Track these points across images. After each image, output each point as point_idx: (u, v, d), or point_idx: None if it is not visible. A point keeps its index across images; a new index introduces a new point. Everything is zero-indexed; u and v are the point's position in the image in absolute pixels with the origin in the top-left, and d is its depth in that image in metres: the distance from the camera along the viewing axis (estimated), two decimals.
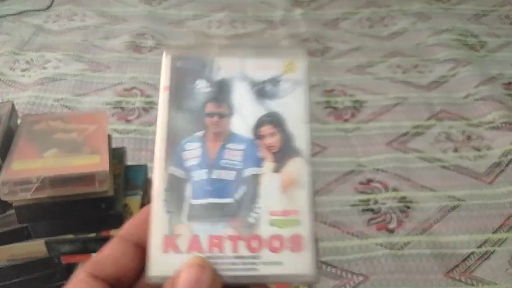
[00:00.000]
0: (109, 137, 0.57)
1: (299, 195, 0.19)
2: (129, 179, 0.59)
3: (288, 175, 0.19)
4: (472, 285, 0.67)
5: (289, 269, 0.18)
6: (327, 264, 0.69)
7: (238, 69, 0.20)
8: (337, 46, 1.21)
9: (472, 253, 0.71)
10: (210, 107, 0.19)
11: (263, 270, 0.18)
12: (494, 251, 0.71)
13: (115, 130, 0.90)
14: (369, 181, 0.83)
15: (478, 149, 0.90)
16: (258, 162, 0.19)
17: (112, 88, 1.02)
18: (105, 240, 0.52)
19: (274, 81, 0.20)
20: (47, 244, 0.51)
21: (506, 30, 1.31)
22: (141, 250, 0.22)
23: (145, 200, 0.59)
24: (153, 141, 0.76)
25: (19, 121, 0.57)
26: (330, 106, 1.00)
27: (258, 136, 0.19)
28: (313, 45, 1.22)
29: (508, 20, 1.35)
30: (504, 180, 0.83)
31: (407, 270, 0.68)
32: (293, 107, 0.20)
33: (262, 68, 0.20)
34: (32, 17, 1.26)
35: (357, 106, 1.01)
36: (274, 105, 0.20)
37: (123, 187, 0.56)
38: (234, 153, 0.19)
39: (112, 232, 0.52)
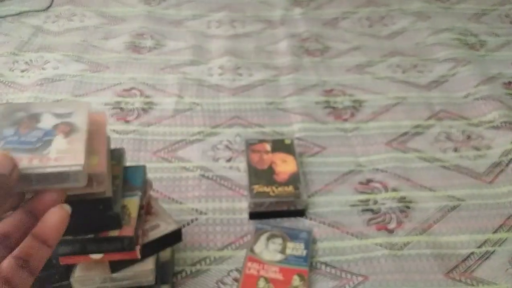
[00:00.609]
0: (108, 138, 0.57)
1: (77, 146, 0.39)
2: (127, 180, 0.59)
3: (72, 139, 0.40)
4: (472, 285, 0.66)
5: (65, 165, 0.37)
6: (326, 264, 0.68)
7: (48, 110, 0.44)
8: (336, 46, 1.21)
9: (472, 253, 0.71)
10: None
11: (49, 169, 0.36)
12: (494, 251, 0.71)
13: (114, 131, 0.89)
14: (369, 181, 0.82)
15: (478, 149, 0.90)
16: (53, 135, 0.40)
17: (111, 88, 1.01)
18: (103, 241, 0.53)
19: (69, 113, 0.43)
20: None
21: (506, 29, 1.31)
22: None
23: (144, 201, 0.59)
24: (152, 142, 0.76)
25: None
26: (329, 106, 1.00)
27: (56, 127, 0.41)
28: (313, 44, 1.22)
29: (508, 19, 1.35)
30: (504, 179, 0.83)
31: (406, 270, 0.68)
32: (76, 120, 0.43)
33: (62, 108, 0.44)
34: (31, 17, 1.26)
35: (357, 105, 1.00)
36: (67, 120, 0.43)
37: (121, 188, 0.56)
38: (38, 132, 0.40)
39: (111, 233, 0.52)
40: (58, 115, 0.47)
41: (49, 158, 0.40)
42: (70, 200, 0.51)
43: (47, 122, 0.45)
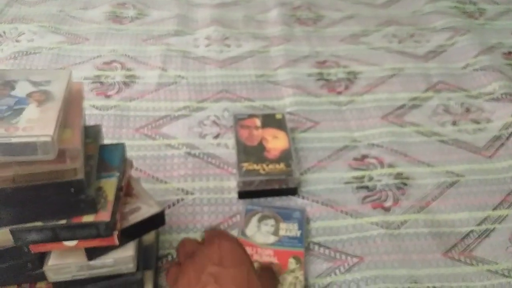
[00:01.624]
0: (83, 112, 0.52)
1: (49, 115, 0.38)
2: (104, 160, 0.55)
3: (46, 108, 0.39)
4: (472, 264, 0.63)
5: (33, 135, 0.37)
6: (320, 245, 0.65)
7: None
8: (330, 15, 1.15)
9: (472, 231, 0.68)
10: None
11: (15, 139, 0.36)
12: (494, 228, 0.68)
13: (94, 106, 0.84)
14: (364, 157, 0.78)
15: (477, 122, 0.86)
16: (25, 103, 0.39)
17: (90, 61, 0.95)
18: (77, 227, 0.48)
19: (47, 81, 0.44)
20: (13, 233, 0.46)
21: None
22: None
23: (122, 182, 0.54)
24: (134, 118, 0.70)
25: None
26: (322, 78, 0.95)
27: (30, 95, 0.40)
28: (305, 13, 1.15)
29: None
30: (504, 153, 0.80)
31: (403, 250, 0.65)
32: (53, 89, 0.42)
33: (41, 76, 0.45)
34: None
35: (351, 78, 0.95)
36: (44, 88, 0.43)
37: (96, 169, 0.51)
38: (9, 100, 0.39)
39: (85, 218, 0.47)
40: (35, 83, 0.44)
41: (17, 127, 0.37)
42: (38, 183, 0.46)
43: (22, 89, 0.42)
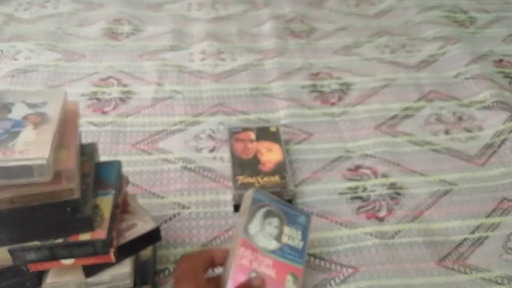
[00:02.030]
0: (79, 132, 0.53)
1: (45, 138, 0.40)
2: (100, 177, 0.56)
3: (42, 130, 0.40)
4: (466, 273, 0.64)
5: (29, 159, 0.38)
6: (315, 256, 0.66)
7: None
8: (322, 27, 1.17)
9: (465, 239, 0.69)
10: None
11: (12, 163, 0.37)
12: (487, 236, 0.69)
13: (91, 123, 0.85)
14: (358, 167, 0.79)
15: (469, 130, 0.87)
16: (22, 126, 0.40)
17: (87, 78, 0.97)
18: (74, 245, 0.49)
19: (43, 103, 0.45)
20: (11, 252, 0.47)
21: (496, 5, 1.28)
22: None
23: (119, 199, 0.55)
24: (131, 133, 0.71)
25: None
26: (316, 90, 0.96)
27: (26, 118, 0.42)
28: (298, 25, 1.17)
29: None
30: (496, 161, 0.81)
31: (398, 259, 0.65)
32: (49, 111, 0.44)
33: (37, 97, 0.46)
34: (2, 5, 1.20)
35: (344, 89, 0.97)
36: (40, 110, 0.44)
37: (92, 187, 0.52)
38: (6, 123, 0.41)
39: (81, 236, 0.48)
40: (31, 105, 0.44)
41: (14, 150, 0.38)
42: (35, 204, 0.47)
43: (19, 112, 0.43)
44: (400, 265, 0.65)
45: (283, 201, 0.59)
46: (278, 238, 0.55)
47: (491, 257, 0.66)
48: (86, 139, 0.59)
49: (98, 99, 0.91)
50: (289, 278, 0.53)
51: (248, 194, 0.57)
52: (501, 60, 1.06)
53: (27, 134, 0.43)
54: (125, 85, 0.95)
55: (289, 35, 1.13)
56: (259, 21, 1.18)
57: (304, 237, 0.58)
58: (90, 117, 0.86)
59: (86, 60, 1.02)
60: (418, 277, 0.63)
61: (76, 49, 1.05)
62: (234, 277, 0.50)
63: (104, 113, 0.88)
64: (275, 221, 0.57)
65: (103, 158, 0.61)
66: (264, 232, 0.55)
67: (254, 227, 0.55)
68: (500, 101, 0.92)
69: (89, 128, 0.84)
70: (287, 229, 0.57)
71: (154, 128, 0.85)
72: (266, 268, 0.53)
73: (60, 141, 0.47)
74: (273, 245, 0.55)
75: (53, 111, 0.47)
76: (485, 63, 1.04)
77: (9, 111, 0.46)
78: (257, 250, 0.53)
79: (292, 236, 0.57)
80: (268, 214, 0.57)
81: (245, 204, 0.56)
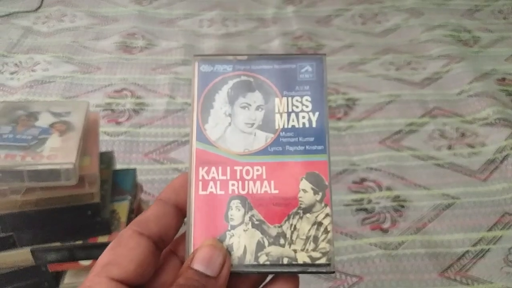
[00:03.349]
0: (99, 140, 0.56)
1: (70, 144, 0.43)
2: (116, 184, 0.58)
3: (67, 137, 0.44)
4: (467, 284, 0.66)
5: (57, 163, 0.41)
6: None
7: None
8: (330, 44, 1.20)
9: (467, 251, 0.70)
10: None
11: (41, 166, 0.40)
12: (489, 249, 0.71)
13: (105, 133, 0.88)
14: (363, 180, 0.82)
15: (472, 146, 0.89)
16: (48, 133, 0.44)
17: (102, 90, 1.00)
18: (92, 247, 0.52)
19: (67, 112, 0.49)
20: (33, 252, 0.50)
21: (500, 25, 1.31)
22: (179, 211, 0.27)
23: (134, 205, 0.58)
24: (144, 143, 0.75)
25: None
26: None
27: (53, 126, 0.45)
28: (306, 43, 1.21)
29: (502, 14, 1.35)
30: (498, 177, 0.83)
31: (401, 270, 0.67)
32: (73, 120, 0.48)
33: (61, 107, 0.53)
34: (20, 18, 1.24)
35: (350, 104, 1.00)
36: (64, 119, 0.48)
37: (110, 193, 0.55)
38: (34, 130, 0.44)
39: (100, 239, 0.51)
40: (56, 114, 0.48)
41: (42, 155, 0.41)
42: (59, 206, 0.50)
43: (45, 120, 0.47)
44: (403, 276, 0.67)
45: (264, 55, 0.30)
46: (267, 124, 0.28)
47: (493, 270, 0.68)
48: (100, 148, 0.62)
49: (112, 110, 0.95)
50: (305, 185, 0.27)
51: (193, 70, 0.29)
52: (503, 79, 1.09)
53: (54, 140, 0.46)
54: (138, 97, 0.98)
55: (297, 52, 1.17)
56: (267, 38, 1.22)
57: (319, 102, 0.29)
58: (105, 127, 0.90)
59: (101, 73, 1.06)
60: (420, 287, 0.65)
61: (92, 61, 1.09)
62: (194, 233, 0.27)
63: (118, 123, 0.91)
64: (254, 98, 0.29)
65: (117, 166, 0.64)
66: (238, 124, 0.29)
67: (215, 123, 0.28)
68: (503, 118, 0.94)
69: (103, 138, 0.87)
70: (283, 101, 0.29)
71: (166, 138, 0.88)
72: (257, 185, 0.27)
73: (84, 148, 0.50)
74: (260, 139, 0.28)
75: (77, 120, 0.50)
76: (488, 81, 1.07)
77: (36, 119, 0.49)
78: (230, 161, 0.28)
79: (295, 108, 0.29)
80: (239, 91, 0.29)
81: (192, 89, 0.29)
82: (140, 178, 0.78)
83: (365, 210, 0.76)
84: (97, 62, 1.09)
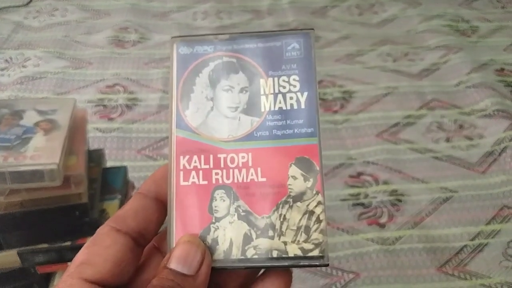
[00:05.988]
0: (87, 138, 0.55)
1: (55, 144, 0.41)
2: (107, 182, 0.57)
3: (52, 136, 0.42)
4: (466, 279, 0.65)
5: (40, 164, 0.40)
6: None
7: None
8: (326, 35, 1.18)
9: (465, 246, 0.69)
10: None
11: (23, 167, 0.39)
12: (487, 243, 0.70)
13: (97, 129, 0.87)
14: (360, 174, 0.81)
15: (470, 138, 0.88)
16: (33, 132, 0.42)
17: (94, 85, 0.99)
18: (80, 248, 0.50)
19: (53, 110, 0.48)
20: (20, 255, 0.48)
21: (498, 15, 1.29)
22: (160, 204, 0.25)
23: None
24: (136, 139, 0.73)
25: None
26: (319, 98, 0.98)
27: (37, 125, 0.44)
28: None
29: (500, 4, 1.33)
30: (497, 169, 0.82)
31: (399, 265, 0.66)
32: (59, 118, 0.47)
33: (47, 105, 0.50)
34: (11, 13, 1.22)
35: (347, 97, 0.98)
36: (50, 117, 0.46)
37: (99, 192, 0.54)
38: (17, 129, 0.42)
39: (89, 239, 0.50)
40: (41, 112, 0.46)
41: (25, 156, 0.40)
42: (45, 207, 0.49)
43: (30, 119, 0.45)
44: (400, 271, 0.66)
45: (247, 33, 0.28)
46: (252, 107, 0.27)
47: (491, 264, 0.67)
48: (92, 145, 0.60)
49: (104, 105, 0.93)
50: (295, 171, 0.25)
51: (171, 53, 0.27)
52: (502, 69, 1.07)
53: (38, 140, 0.45)
54: (131, 92, 0.97)
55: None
56: (263, 30, 1.20)
57: (307, 81, 0.27)
58: (97, 123, 0.88)
59: (93, 68, 1.04)
60: (418, 283, 0.64)
61: (84, 56, 1.07)
62: (176, 227, 0.25)
63: (111, 119, 0.90)
64: (237, 79, 0.27)
65: (109, 163, 0.63)
66: (221, 109, 0.27)
67: (196, 109, 0.27)
68: (501, 109, 0.93)
69: (95, 134, 0.86)
70: (267, 84, 0.27)
71: (159, 134, 0.87)
72: (243, 173, 0.25)
73: (69, 147, 0.49)
74: (245, 124, 0.26)
75: (63, 118, 0.49)
76: (487, 72, 1.05)
77: (21, 118, 0.47)
78: (213, 148, 0.26)
79: (282, 88, 0.27)
80: (221, 73, 0.27)
81: (171, 73, 0.27)
82: (133, 175, 0.77)
83: (362, 204, 0.75)
84: (89, 57, 1.07)
